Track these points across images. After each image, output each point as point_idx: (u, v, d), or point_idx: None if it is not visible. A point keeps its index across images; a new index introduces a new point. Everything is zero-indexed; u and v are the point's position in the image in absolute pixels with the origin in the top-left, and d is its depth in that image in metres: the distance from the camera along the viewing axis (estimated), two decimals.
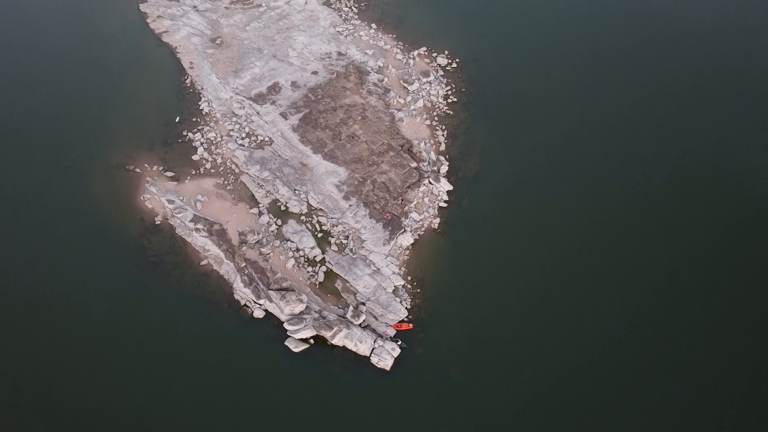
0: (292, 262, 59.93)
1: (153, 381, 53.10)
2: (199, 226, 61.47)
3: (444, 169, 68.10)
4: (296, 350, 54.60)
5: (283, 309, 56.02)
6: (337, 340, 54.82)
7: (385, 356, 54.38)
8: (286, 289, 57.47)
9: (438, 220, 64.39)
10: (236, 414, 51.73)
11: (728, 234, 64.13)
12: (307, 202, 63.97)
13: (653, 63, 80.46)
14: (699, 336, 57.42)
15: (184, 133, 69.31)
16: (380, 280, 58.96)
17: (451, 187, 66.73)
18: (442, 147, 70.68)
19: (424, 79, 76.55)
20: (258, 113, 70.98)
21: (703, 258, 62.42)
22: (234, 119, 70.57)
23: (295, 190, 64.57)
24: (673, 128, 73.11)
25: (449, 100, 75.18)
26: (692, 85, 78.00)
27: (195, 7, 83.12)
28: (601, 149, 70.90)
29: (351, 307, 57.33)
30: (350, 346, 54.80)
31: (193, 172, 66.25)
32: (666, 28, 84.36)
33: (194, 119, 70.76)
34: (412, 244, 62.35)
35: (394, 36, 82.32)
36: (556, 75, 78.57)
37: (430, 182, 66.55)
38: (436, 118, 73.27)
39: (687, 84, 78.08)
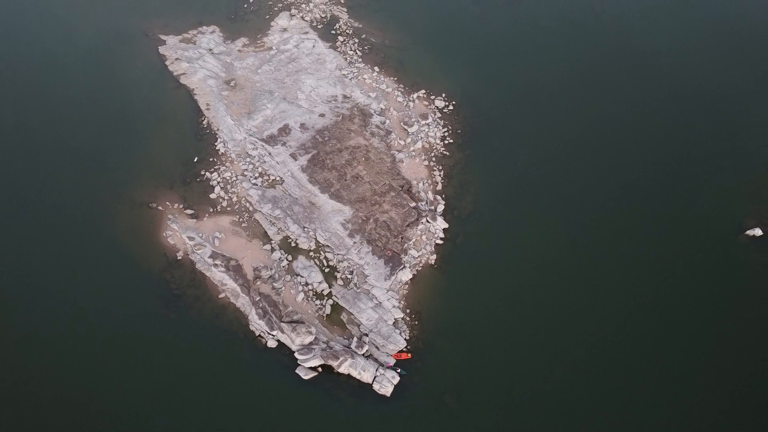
0: (301, 295, 65.91)
1: (174, 403, 59.07)
2: (217, 261, 67.51)
3: (440, 208, 74.17)
4: (306, 377, 60.62)
5: (294, 340, 62.00)
6: (343, 369, 60.78)
7: (386, 383, 60.37)
8: (297, 322, 63.50)
9: (435, 256, 70.33)
10: None
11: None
12: (315, 239, 70.00)
13: (648, 100, 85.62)
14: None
15: (202, 173, 75.40)
16: (382, 313, 64.96)
17: (446, 226, 72.73)
18: (439, 186, 76.75)
19: (423, 122, 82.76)
20: (270, 154, 77.11)
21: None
22: (248, 159, 76.68)
23: (304, 227, 70.60)
24: (667, 161, 78.42)
25: (446, 142, 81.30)
26: (687, 110, 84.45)
27: (210, 50, 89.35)
28: (593, 187, 75.95)
29: (355, 338, 63.35)
30: (354, 374, 60.75)
31: (211, 210, 72.28)
32: (658, 72, 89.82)
33: (211, 159, 76.86)
34: (411, 280, 68.34)
35: (395, 79, 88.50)
36: (548, 115, 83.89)
37: (427, 221, 72.65)
38: (433, 159, 79.40)
39: (682, 110, 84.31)
